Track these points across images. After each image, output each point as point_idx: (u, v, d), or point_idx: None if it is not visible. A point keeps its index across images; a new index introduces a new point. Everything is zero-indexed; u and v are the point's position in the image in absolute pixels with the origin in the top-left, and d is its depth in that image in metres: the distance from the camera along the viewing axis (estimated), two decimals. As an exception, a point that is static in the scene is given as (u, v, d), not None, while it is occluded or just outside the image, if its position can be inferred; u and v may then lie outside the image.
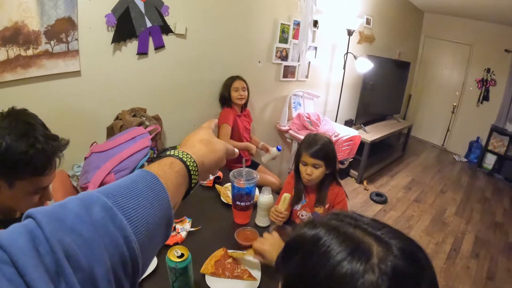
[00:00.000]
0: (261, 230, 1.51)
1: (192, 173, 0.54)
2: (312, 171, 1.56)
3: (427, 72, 6.11)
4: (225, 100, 2.53)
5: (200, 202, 1.72)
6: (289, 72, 3.15)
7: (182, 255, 1.03)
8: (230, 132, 2.44)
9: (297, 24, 2.98)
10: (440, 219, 3.55)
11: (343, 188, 1.70)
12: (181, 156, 0.54)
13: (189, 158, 0.55)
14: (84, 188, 1.53)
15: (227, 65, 2.58)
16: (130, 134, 1.74)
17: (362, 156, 3.94)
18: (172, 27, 2.14)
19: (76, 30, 1.75)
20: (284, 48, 2.98)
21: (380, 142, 4.33)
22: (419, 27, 5.91)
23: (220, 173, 1.91)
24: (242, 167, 2.52)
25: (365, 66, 3.62)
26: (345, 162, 3.80)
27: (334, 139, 2.94)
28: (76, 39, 1.76)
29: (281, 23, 2.85)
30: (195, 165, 0.55)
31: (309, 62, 3.32)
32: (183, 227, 1.45)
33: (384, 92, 4.61)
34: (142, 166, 1.70)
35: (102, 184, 1.54)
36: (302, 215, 1.73)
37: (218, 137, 2.37)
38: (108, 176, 1.54)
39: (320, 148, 1.55)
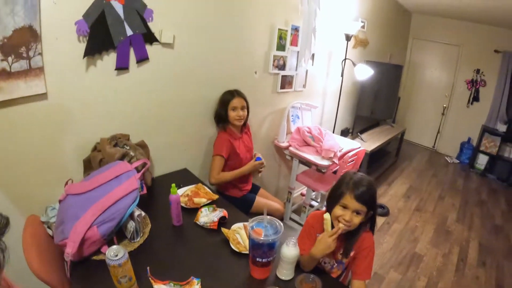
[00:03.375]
0: (284, 284, 1.28)
1: None
2: (352, 218, 1.29)
3: (416, 74, 6.06)
4: (221, 119, 2.19)
5: (205, 252, 1.43)
6: (286, 82, 2.87)
7: None
8: (223, 164, 2.13)
9: (295, 29, 2.70)
10: (444, 228, 3.60)
11: (373, 235, 1.46)
12: None
13: None
14: (62, 246, 1.19)
15: (220, 78, 2.25)
16: (113, 171, 1.40)
17: (360, 167, 3.74)
18: (157, 35, 1.80)
19: (39, 42, 1.38)
20: (282, 56, 2.69)
21: (378, 152, 4.18)
22: (407, 29, 5.85)
23: (225, 212, 1.60)
24: (243, 193, 2.29)
25: (364, 72, 3.39)
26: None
27: (339, 154, 2.68)
28: (40, 54, 1.39)
29: (279, 29, 2.55)
30: None
31: (307, 71, 3.05)
32: None
33: (379, 98, 4.46)
34: (131, 214, 1.36)
35: (83, 241, 1.20)
36: (324, 262, 1.49)
37: (210, 168, 2.10)
38: (90, 231, 1.20)
39: (367, 190, 1.29)
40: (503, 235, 3.55)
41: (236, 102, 2.13)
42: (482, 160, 5.29)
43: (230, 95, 2.16)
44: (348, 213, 1.29)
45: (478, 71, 5.29)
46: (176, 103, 2.05)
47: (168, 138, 2.08)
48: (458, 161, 5.70)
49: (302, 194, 3.68)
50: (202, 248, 1.44)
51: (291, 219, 3.16)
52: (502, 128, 4.99)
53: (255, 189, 2.45)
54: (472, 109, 5.47)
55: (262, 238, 1.18)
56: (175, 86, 2.00)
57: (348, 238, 1.40)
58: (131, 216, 1.38)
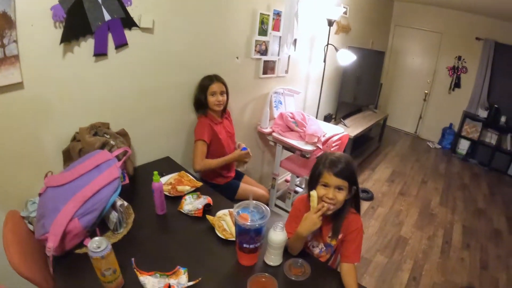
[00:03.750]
0: (273, 270, 1.26)
1: None
2: (335, 195, 1.29)
3: (398, 60, 6.11)
4: (201, 105, 2.16)
5: (191, 241, 1.41)
6: (268, 67, 2.84)
7: None
8: (206, 149, 2.08)
9: (277, 14, 2.66)
10: (428, 211, 3.67)
11: (359, 215, 1.46)
12: None
13: None
14: (43, 241, 1.14)
15: (201, 63, 2.20)
16: (93, 161, 1.35)
17: (344, 152, 3.77)
18: (136, 20, 1.73)
19: (14, 29, 1.31)
20: (264, 41, 2.65)
21: (361, 136, 4.22)
22: (390, 16, 5.86)
23: (209, 199, 1.58)
24: (227, 180, 2.27)
25: (347, 58, 3.39)
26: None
27: (323, 139, 2.68)
28: (15, 41, 1.32)
29: (260, 13, 2.51)
30: None
31: (289, 56, 3.03)
32: (179, 282, 1.13)
33: (362, 84, 4.50)
34: (114, 204, 1.32)
35: (65, 235, 1.16)
36: (313, 246, 1.49)
37: (193, 155, 2.05)
38: (72, 223, 1.17)
39: (345, 166, 1.29)
40: (486, 218, 3.65)
41: (215, 87, 2.09)
42: (463, 145, 5.41)
43: (209, 80, 2.12)
44: (331, 191, 1.29)
45: (459, 58, 5.36)
46: (157, 89, 2.00)
47: (149, 126, 2.04)
48: (440, 146, 5.82)
49: (286, 181, 3.68)
50: (187, 237, 1.43)
51: (276, 205, 3.18)
52: (483, 114, 5.10)
53: (239, 176, 2.43)
54: (453, 95, 5.57)
55: (248, 224, 1.17)
56: (155, 72, 1.95)
57: (335, 219, 1.40)
58: (113, 206, 1.34)
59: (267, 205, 1.52)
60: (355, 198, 1.42)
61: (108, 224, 1.36)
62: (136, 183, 1.79)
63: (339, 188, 1.30)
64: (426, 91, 5.78)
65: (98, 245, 1.00)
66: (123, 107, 1.86)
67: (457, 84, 5.48)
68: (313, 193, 1.29)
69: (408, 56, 5.97)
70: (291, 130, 2.81)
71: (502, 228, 3.49)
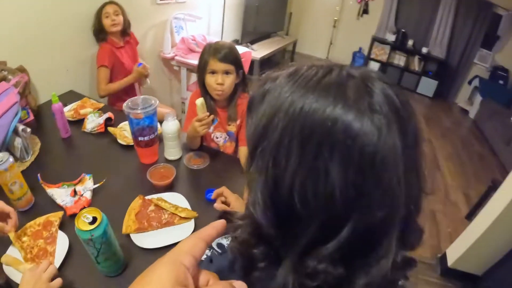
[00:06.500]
0: (174, 164, 1.40)
1: None
2: (224, 80, 1.42)
3: (305, -12, 6.14)
4: (99, 32, 2.11)
5: (96, 154, 1.51)
6: (165, -7, 2.80)
7: (95, 219, 0.81)
8: (109, 75, 2.09)
9: None
10: None
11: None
12: None
13: None
14: None
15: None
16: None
17: (253, 75, 4.00)
18: None
19: None
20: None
21: (268, 60, 4.41)
22: None
23: (110, 114, 1.67)
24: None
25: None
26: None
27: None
28: None
29: None
30: None
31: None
32: (85, 187, 1.23)
33: (266, 10, 4.55)
34: (15, 129, 1.36)
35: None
36: (216, 137, 1.63)
37: (96, 82, 2.07)
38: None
39: (229, 51, 1.41)
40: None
41: (108, 8, 2.05)
42: (373, 67, 5.71)
43: (102, 5, 2.07)
44: (219, 76, 1.40)
45: (367, -15, 5.52)
46: (55, 21, 1.91)
47: (49, 60, 1.97)
48: None
49: None
50: (92, 152, 1.52)
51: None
52: (391, 37, 5.49)
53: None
54: (362, 21, 5.82)
55: (138, 112, 1.24)
56: (51, 2, 1.85)
57: (229, 104, 1.53)
58: (16, 132, 1.36)
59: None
60: (244, 82, 1.54)
61: (15, 153, 1.37)
62: (41, 118, 1.76)
63: (226, 72, 1.41)
64: (335, 18, 5.95)
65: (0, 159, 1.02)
66: (19, 45, 1.77)
67: (365, 11, 5.70)
68: (198, 101, 1.33)
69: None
70: (193, 51, 2.88)
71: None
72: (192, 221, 1.14)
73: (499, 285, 1.97)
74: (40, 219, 1.05)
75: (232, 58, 1.41)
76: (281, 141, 0.35)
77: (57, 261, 0.95)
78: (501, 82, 4.71)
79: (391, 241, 0.35)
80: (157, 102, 1.31)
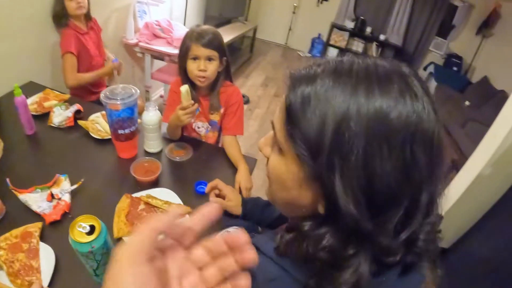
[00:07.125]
0: (155, 157, 1.30)
1: None
2: (207, 66, 1.33)
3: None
4: (60, 16, 1.87)
5: (67, 150, 1.37)
6: (125, -26, 2.60)
7: (92, 228, 0.70)
8: (77, 62, 1.89)
9: None
10: None
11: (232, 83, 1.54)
12: None
13: None
14: None
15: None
16: None
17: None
18: None
19: None
20: None
21: (229, 46, 4.31)
22: None
23: (79, 106, 1.51)
24: (97, 96, 2.14)
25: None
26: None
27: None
28: None
29: None
30: None
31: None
32: (62, 189, 1.09)
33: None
34: None
35: None
36: (198, 127, 1.55)
37: (63, 70, 1.87)
38: None
39: (213, 37, 1.33)
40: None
41: None
42: (332, 53, 5.96)
43: None
44: (202, 62, 1.32)
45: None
46: (6, 7, 1.67)
47: (6, 49, 1.73)
48: (310, 55, 6.29)
49: (161, 96, 3.58)
50: (63, 148, 1.37)
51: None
52: (350, 24, 5.61)
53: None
54: (321, 8, 5.89)
55: (118, 103, 1.13)
56: None
57: (211, 92, 1.46)
58: None
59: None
60: (227, 69, 1.47)
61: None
62: (0, 114, 1.53)
63: (209, 59, 1.33)
64: (295, 4, 5.97)
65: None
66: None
67: (325, -3, 5.77)
68: (182, 88, 1.23)
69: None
70: (158, 37, 2.73)
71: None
72: (187, 217, 1.06)
73: (466, 256, 2.11)
74: (17, 231, 0.91)
75: (216, 44, 1.34)
76: (369, 144, 0.38)
77: (45, 279, 0.83)
78: (455, 68, 5.02)
79: (437, 201, 0.45)
80: (138, 91, 1.20)
